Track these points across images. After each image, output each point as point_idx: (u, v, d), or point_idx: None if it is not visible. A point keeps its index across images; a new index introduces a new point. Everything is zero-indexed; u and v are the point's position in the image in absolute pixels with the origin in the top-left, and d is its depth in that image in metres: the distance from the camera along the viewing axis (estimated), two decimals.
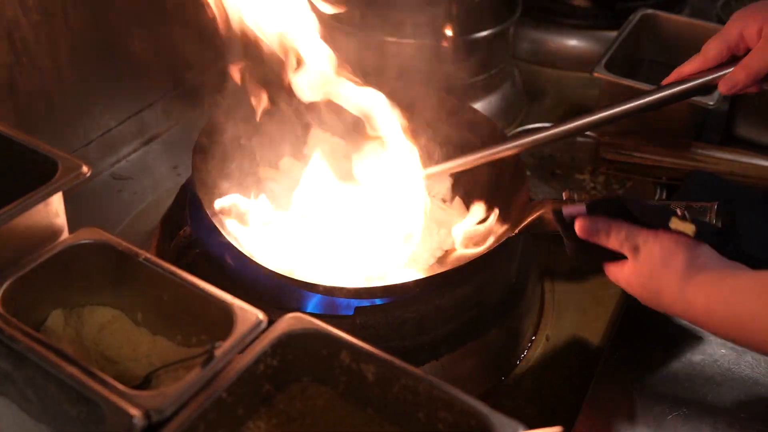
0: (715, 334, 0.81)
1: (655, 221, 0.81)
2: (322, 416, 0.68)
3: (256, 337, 0.67)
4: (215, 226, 0.93)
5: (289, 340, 0.68)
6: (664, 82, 1.02)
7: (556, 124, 1.04)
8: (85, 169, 0.73)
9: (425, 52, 1.37)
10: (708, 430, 0.89)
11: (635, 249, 0.82)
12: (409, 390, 0.65)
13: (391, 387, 0.66)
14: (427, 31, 1.55)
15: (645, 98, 1.01)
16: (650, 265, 0.81)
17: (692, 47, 1.40)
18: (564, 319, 1.10)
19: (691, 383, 0.94)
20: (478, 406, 0.62)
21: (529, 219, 0.96)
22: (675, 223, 0.80)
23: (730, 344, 1.00)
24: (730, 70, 0.98)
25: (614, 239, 0.83)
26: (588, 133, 1.31)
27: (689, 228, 0.80)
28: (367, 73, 1.37)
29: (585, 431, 0.89)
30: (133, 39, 1.28)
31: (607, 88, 1.31)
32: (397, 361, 0.66)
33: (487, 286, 0.98)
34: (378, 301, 0.93)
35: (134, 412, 0.59)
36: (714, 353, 0.98)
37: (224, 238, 0.92)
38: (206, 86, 1.41)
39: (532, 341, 1.07)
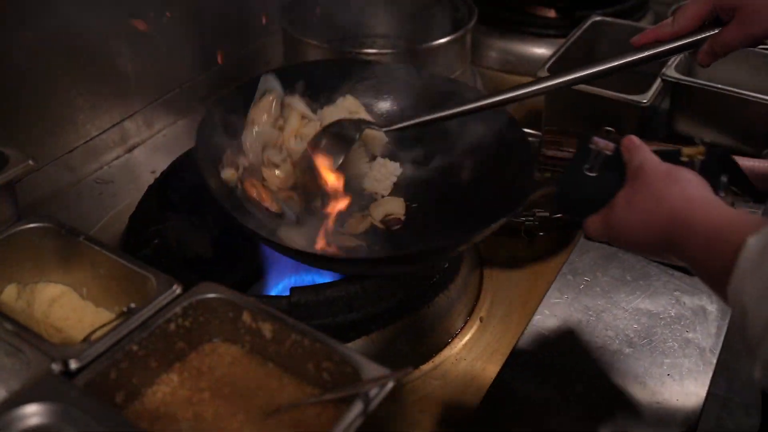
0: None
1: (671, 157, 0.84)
2: (229, 371, 0.78)
3: (171, 302, 0.77)
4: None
5: (199, 304, 0.78)
6: (638, 42, 1.05)
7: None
8: (31, 162, 0.85)
9: (386, 61, 1.48)
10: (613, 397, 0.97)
11: (643, 171, 0.80)
12: (298, 344, 0.75)
13: (284, 342, 0.76)
14: (385, 42, 1.67)
15: (616, 61, 1.05)
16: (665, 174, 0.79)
17: None
18: (499, 303, 1.19)
19: (601, 353, 1.02)
20: (352, 354, 0.72)
21: (535, 195, 0.98)
22: (686, 150, 0.84)
23: (644, 320, 1.08)
24: (705, 35, 1.01)
25: (636, 160, 0.82)
26: (533, 131, 1.39)
27: (701, 150, 0.83)
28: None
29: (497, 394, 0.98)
30: (117, 53, 1.41)
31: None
32: (289, 319, 0.75)
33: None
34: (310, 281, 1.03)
35: (54, 359, 0.70)
36: (626, 327, 1.06)
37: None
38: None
39: (466, 322, 1.15)
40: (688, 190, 0.76)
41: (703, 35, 1.01)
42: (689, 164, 0.82)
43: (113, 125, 1.43)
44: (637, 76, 1.50)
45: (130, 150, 1.47)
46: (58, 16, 1.26)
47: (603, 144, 0.85)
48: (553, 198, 0.92)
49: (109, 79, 1.39)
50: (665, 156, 0.83)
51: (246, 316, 0.77)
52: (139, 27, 1.39)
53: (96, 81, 1.37)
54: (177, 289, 0.78)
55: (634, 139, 0.85)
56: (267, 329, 0.76)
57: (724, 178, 0.83)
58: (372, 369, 0.70)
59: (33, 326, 0.85)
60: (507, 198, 1.01)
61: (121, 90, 1.43)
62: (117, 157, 1.45)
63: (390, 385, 0.68)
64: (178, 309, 0.76)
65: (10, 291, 0.87)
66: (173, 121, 1.53)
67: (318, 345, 0.73)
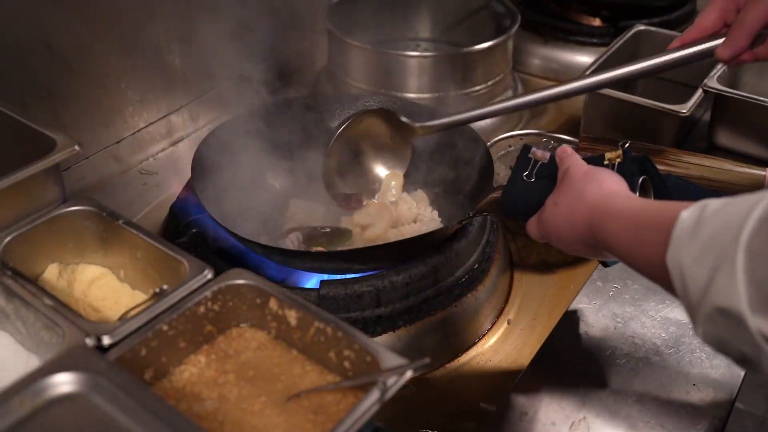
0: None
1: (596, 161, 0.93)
2: (255, 355, 0.80)
3: (202, 286, 0.80)
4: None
5: (228, 289, 0.80)
6: (669, 47, 1.07)
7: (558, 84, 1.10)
8: (77, 147, 0.88)
9: (428, 64, 1.50)
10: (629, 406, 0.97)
11: (567, 175, 0.89)
12: (321, 332, 0.77)
13: (308, 330, 0.78)
14: (429, 46, 1.69)
15: (648, 62, 1.06)
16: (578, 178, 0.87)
17: None
18: (528, 307, 1.19)
19: (627, 361, 1.02)
20: (372, 344, 0.73)
21: (483, 202, 1.06)
22: (608, 154, 0.93)
23: (673, 329, 1.07)
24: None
25: (564, 165, 0.91)
26: (569, 138, 1.40)
27: (619, 153, 0.92)
28: (378, 83, 1.51)
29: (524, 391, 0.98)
30: (166, 49, 1.45)
31: (590, 97, 1.40)
32: (313, 307, 0.77)
33: (442, 268, 1.08)
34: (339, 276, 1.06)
35: (88, 334, 0.73)
36: (653, 336, 1.06)
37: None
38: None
39: (493, 323, 1.16)
40: (605, 185, 0.83)
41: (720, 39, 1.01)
42: (609, 167, 0.90)
43: (160, 118, 1.48)
44: (680, 86, 1.50)
45: (175, 143, 1.52)
46: (112, 11, 1.31)
47: (540, 153, 0.96)
48: (500, 204, 1.00)
49: (157, 73, 1.44)
50: (591, 160, 0.92)
51: (273, 303, 0.80)
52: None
53: (145, 75, 1.42)
54: (208, 274, 0.81)
55: (567, 148, 0.94)
56: (292, 316, 0.79)
57: (639, 179, 0.91)
58: (390, 358, 0.72)
59: (72, 305, 0.88)
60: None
61: (169, 85, 1.47)
62: (162, 150, 1.50)
63: (408, 374, 0.70)
64: (208, 293, 0.79)
65: (52, 270, 0.91)
66: (218, 116, 1.57)
67: (340, 334, 0.75)
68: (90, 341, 0.73)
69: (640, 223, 0.74)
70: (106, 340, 0.74)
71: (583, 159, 0.93)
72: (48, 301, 0.77)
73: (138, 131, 1.45)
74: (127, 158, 1.44)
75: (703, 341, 0.65)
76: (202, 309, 0.79)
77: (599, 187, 0.83)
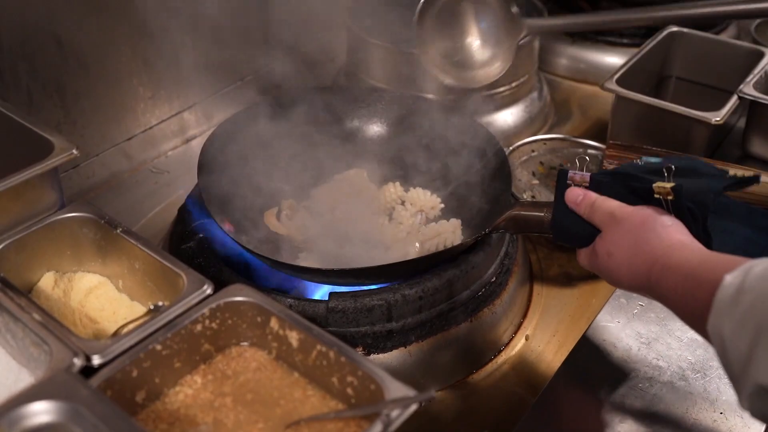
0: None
1: (644, 183, 0.87)
2: (254, 377, 0.76)
3: (200, 302, 0.76)
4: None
5: (227, 306, 0.76)
6: None
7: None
8: (75, 151, 0.85)
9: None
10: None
11: (616, 221, 0.87)
12: (323, 355, 0.72)
13: (310, 352, 0.73)
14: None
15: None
16: (634, 228, 0.84)
17: (720, 65, 1.41)
18: (547, 322, 1.14)
19: (650, 384, 0.97)
20: (377, 371, 0.69)
21: (500, 219, 1.01)
22: (657, 187, 0.86)
23: (700, 352, 1.01)
24: None
25: (599, 214, 0.88)
26: (596, 144, 1.34)
27: (668, 190, 0.85)
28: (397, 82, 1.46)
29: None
30: (179, 45, 1.41)
31: (618, 101, 1.34)
32: (315, 328, 0.73)
33: (457, 282, 1.03)
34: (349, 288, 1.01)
35: (77, 354, 0.69)
36: (679, 358, 1.00)
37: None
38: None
39: (511, 339, 1.11)
40: (665, 236, 0.81)
41: None
42: (662, 203, 0.85)
43: (172, 116, 1.44)
44: (714, 90, 1.43)
45: (187, 141, 1.48)
46: (123, 5, 1.28)
47: (579, 178, 0.91)
48: (550, 227, 0.96)
49: (170, 70, 1.40)
50: (637, 193, 0.87)
51: (274, 322, 0.75)
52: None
53: (158, 72, 1.38)
54: (207, 289, 0.77)
55: (587, 196, 0.90)
56: (294, 337, 0.74)
57: (700, 222, 0.85)
58: (395, 388, 0.67)
59: (68, 315, 0.85)
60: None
61: (182, 81, 1.43)
62: (174, 148, 1.46)
63: (412, 407, 0.65)
64: (206, 310, 0.75)
65: (48, 279, 0.87)
66: (232, 114, 1.52)
67: (343, 359, 0.71)
68: (78, 361, 0.69)
69: (694, 279, 0.73)
70: (96, 360, 0.70)
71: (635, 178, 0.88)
72: (37, 316, 0.73)
73: (149, 128, 1.41)
74: (138, 156, 1.41)
75: (750, 416, 0.63)
76: (199, 327, 0.75)
77: (660, 239, 0.81)
